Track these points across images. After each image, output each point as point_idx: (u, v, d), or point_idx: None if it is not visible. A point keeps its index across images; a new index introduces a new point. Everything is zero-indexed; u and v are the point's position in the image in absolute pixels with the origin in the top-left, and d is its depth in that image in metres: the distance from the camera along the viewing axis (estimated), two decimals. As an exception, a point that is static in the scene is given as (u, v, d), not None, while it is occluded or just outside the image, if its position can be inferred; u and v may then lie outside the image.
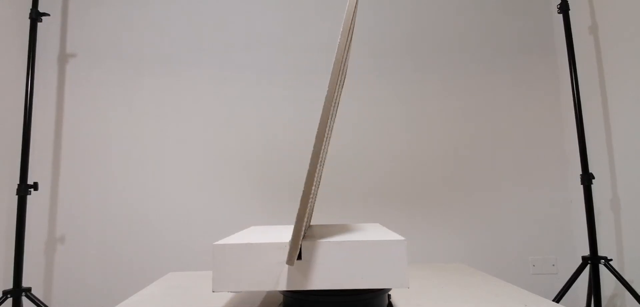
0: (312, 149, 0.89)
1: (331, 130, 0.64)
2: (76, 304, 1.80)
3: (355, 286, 0.63)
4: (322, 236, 0.69)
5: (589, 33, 1.82)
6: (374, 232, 0.74)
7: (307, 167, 0.89)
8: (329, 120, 0.60)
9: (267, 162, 1.94)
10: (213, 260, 0.64)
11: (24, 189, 1.53)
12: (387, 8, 2.05)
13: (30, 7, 1.62)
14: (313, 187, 0.61)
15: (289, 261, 0.59)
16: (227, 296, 0.91)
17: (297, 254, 0.61)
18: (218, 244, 0.64)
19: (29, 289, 1.51)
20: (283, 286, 0.63)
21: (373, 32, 2.03)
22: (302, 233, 0.61)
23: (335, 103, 0.69)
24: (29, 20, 1.63)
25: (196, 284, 1.05)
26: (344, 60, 0.66)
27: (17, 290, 1.48)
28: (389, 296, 0.77)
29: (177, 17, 2.00)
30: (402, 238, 0.64)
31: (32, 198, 1.83)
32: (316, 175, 0.62)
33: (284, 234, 0.78)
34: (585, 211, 1.61)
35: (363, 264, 0.64)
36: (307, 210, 0.60)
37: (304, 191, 0.60)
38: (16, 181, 1.77)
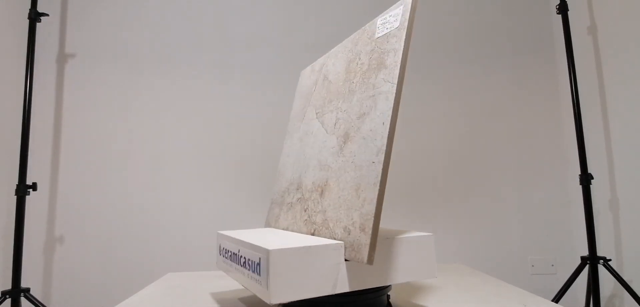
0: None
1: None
2: (75, 305, 1.80)
3: (399, 280, 0.67)
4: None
5: (588, 34, 1.82)
6: (399, 231, 0.76)
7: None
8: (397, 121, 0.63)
9: (267, 162, 1.94)
10: (270, 268, 0.58)
11: (23, 189, 1.53)
12: (386, 8, 2.05)
13: (29, 7, 1.62)
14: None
15: (370, 260, 0.58)
16: (225, 296, 0.91)
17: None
18: (275, 249, 0.59)
19: (27, 290, 1.51)
20: (344, 288, 0.62)
21: (372, 33, 2.03)
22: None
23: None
24: (27, 20, 1.63)
25: (196, 284, 1.05)
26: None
27: (16, 291, 1.48)
28: (389, 296, 0.77)
29: (176, 17, 2.00)
30: (431, 233, 0.71)
31: (31, 198, 1.83)
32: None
33: (281, 235, 0.78)
34: (584, 211, 1.62)
35: (404, 260, 0.68)
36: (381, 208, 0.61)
37: (379, 189, 0.60)
38: (15, 181, 1.76)
